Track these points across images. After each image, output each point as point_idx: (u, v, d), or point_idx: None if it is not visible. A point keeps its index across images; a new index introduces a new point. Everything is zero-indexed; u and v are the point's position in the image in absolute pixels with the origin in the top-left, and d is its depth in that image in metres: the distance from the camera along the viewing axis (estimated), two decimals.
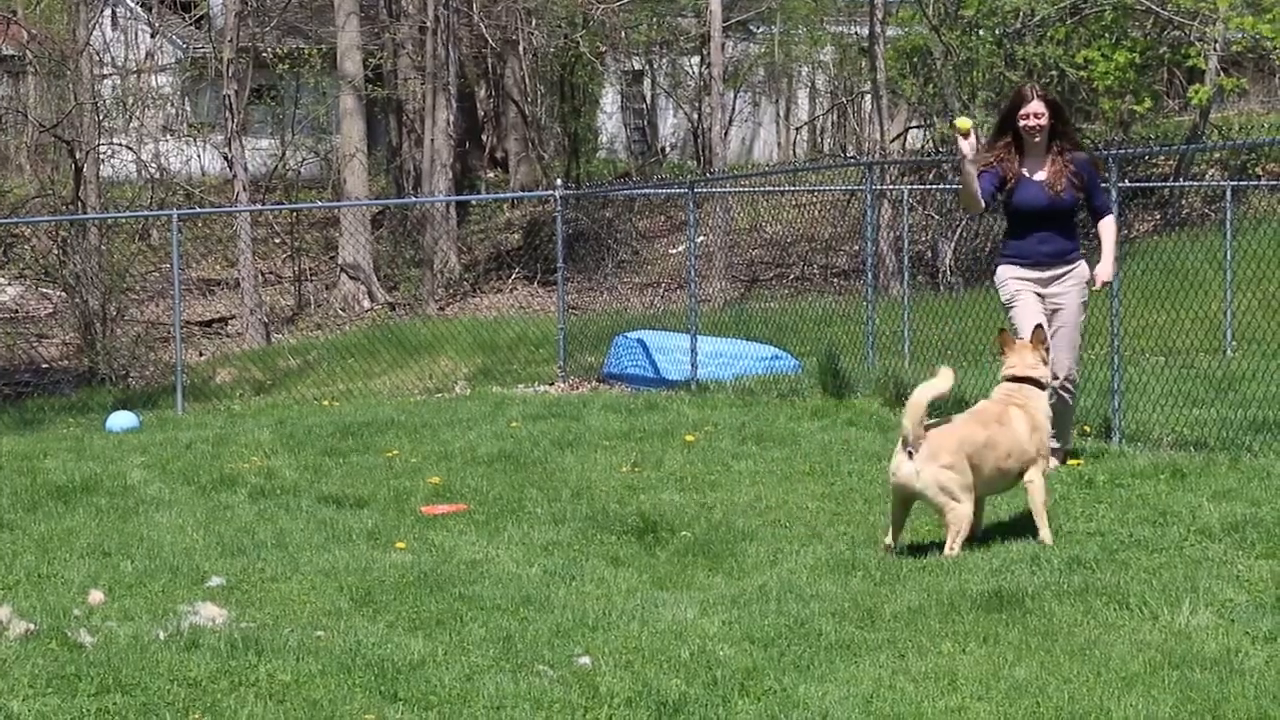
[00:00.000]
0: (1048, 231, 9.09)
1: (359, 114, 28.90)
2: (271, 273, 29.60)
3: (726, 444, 10.82)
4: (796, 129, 38.70)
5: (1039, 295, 9.09)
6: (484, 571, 7.56)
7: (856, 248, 22.28)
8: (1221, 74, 25.06)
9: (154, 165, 30.46)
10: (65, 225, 25.05)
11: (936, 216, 22.59)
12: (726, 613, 6.57)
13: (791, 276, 24.92)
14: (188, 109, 35.29)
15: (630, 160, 37.14)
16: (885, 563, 7.41)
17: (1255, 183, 23.27)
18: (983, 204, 9.12)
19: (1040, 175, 9.04)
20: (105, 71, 31.17)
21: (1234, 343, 15.68)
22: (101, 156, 27.23)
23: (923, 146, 26.86)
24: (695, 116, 35.83)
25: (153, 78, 33.49)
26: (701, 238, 21.55)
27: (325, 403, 15.87)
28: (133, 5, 36.24)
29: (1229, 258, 16.03)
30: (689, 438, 11.07)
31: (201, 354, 24.39)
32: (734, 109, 36.96)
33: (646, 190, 27.05)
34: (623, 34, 33.66)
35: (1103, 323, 10.82)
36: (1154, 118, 26.91)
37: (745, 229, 27.14)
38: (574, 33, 32.25)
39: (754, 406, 12.63)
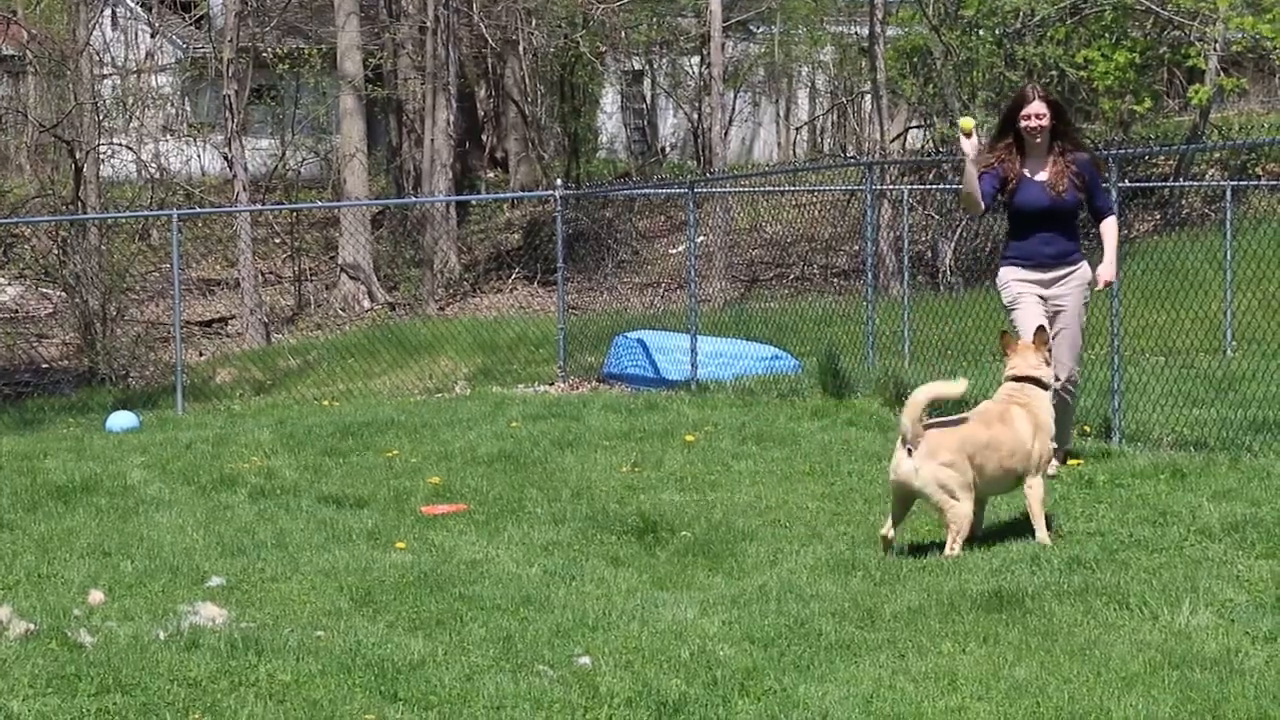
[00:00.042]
0: (1050, 232, 9.05)
1: (359, 114, 28.90)
2: (271, 273, 29.60)
3: (726, 444, 10.82)
4: (796, 129, 38.70)
5: (1041, 298, 9.05)
6: (484, 571, 7.56)
7: (856, 248, 22.29)
8: (1221, 74, 25.06)
9: (154, 165, 30.46)
10: (65, 225, 25.05)
11: (936, 216, 22.59)
12: (726, 613, 6.57)
13: (791, 276, 24.92)
14: (188, 109, 35.29)
15: (630, 160, 37.14)
16: (885, 563, 7.41)
17: (1255, 183, 23.26)
18: (983, 205, 9.10)
19: (1042, 176, 9.01)
20: (105, 71, 31.17)
21: (1234, 343, 15.68)
22: (101, 156, 27.23)
23: (923, 146, 26.86)
24: (695, 116, 35.84)
25: (153, 78, 33.49)
26: (701, 238, 21.55)
27: (325, 403, 15.87)
28: (133, 5, 36.24)
29: (1229, 258, 16.03)
30: (689, 438, 11.07)
31: (201, 354, 24.39)
32: (734, 109, 36.96)
33: (646, 190, 27.05)
34: (623, 34, 33.66)
35: (1103, 323, 10.82)
36: (1154, 118, 26.90)
37: (745, 229, 27.14)
38: (574, 33, 32.25)
39: (754, 406, 12.63)
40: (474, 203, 30.96)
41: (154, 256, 28.23)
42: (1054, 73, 23.92)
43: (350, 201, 27.37)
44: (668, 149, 38.25)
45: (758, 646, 6.08)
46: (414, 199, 28.49)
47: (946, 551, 7.44)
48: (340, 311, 27.06)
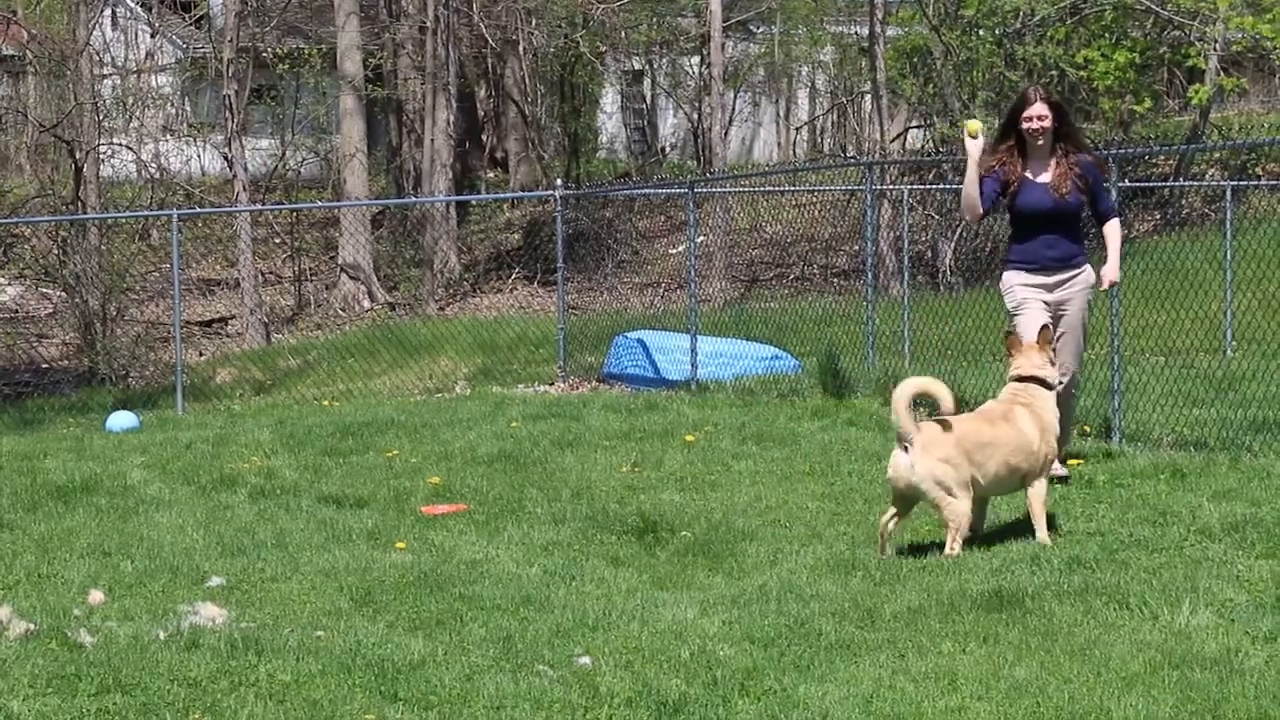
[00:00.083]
0: (1053, 235, 8.95)
1: (359, 114, 28.90)
2: (271, 273, 29.60)
3: (726, 444, 10.82)
4: (796, 129, 38.70)
5: (1045, 303, 8.97)
6: (484, 571, 7.56)
7: (856, 248, 22.29)
8: (1221, 74, 25.06)
9: (154, 165, 30.46)
10: (65, 225, 25.05)
11: (936, 216, 22.59)
12: (726, 613, 6.57)
13: (791, 276, 24.92)
14: (188, 109, 35.29)
15: (630, 160, 37.14)
16: (885, 563, 7.41)
17: (1255, 183, 23.27)
18: (981, 210, 9.05)
19: (1044, 178, 8.93)
20: (105, 71, 31.16)
21: (1234, 343, 15.68)
22: (101, 156, 27.23)
23: (923, 146, 26.85)
24: (695, 116, 35.84)
25: (153, 78, 33.48)
26: (701, 238, 21.55)
27: (325, 403, 15.87)
28: (133, 5, 36.24)
29: (1229, 258, 16.03)
30: (689, 438, 11.07)
31: (201, 354, 24.39)
32: (734, 109, 36.96)
33: (646, 190, 27.05)
34: (623, 34, 33.66)
35: (1103, 323, 10.82)
36: (1154, 118, 26.90)
37: (745, 229, 27.14)
38: (574, 33, 32.25)
39: (754, 406, 12.63)
40: (474, 203, 30.96)
41: (154, 256, 28.23)
42: (1054, 73, 23.92)
43: (350, 201, 27.37)
44: (668, 149, 38.25)
45: (758, 646, 6.08)
46: (414, 199, 28.49)
47: (946, 551, 7.43)
48: (340, 311, 27.06)
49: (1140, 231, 22.72)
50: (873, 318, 14.11)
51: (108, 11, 33.38)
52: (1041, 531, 7.63)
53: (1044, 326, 8.37)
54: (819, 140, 38.52)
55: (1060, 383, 8.28)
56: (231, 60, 26.11)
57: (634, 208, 28.34)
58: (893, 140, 26.80)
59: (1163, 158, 25.63)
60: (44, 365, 24.19)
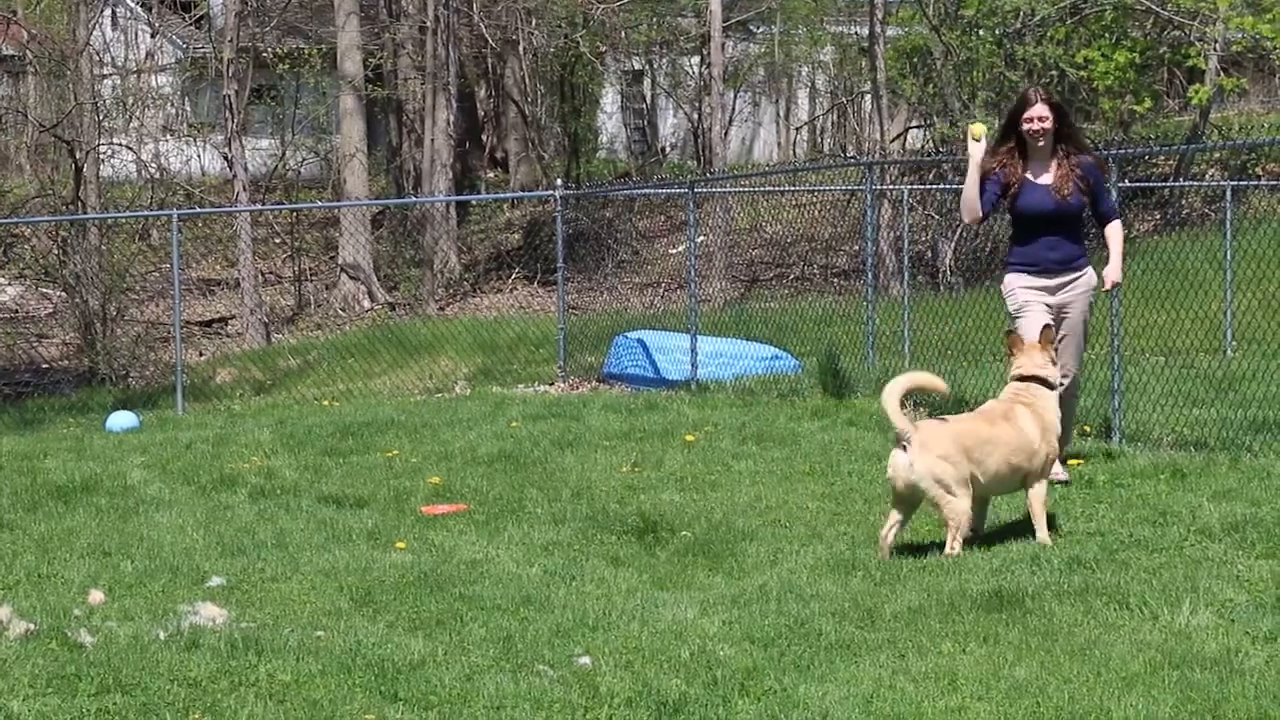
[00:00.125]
0: (1055, 237, 8.91)
1: (359, 114, 28.90)
2: (271, 273, 29.60)
3: (726, 444, 10.82)
4: (796, 129, 38.70)
5: (1047, 305, 8.94)
6: (484, 571, 7.56)
7: (856, 248, 22.29)
8: (1221, 74, 25.06)
9: (154, 165, 30.46)
10: (65, 225, 25.05)
11: (936, 216, 22.59)
12: (726, 613, 6.57)
13: (791, 276, 24.92)
14: (188, 109, 35.29)
15: (630, 160, 37.14)
16: (885, 563, 7.41)
17: (1255, 183, 23.27)
18: (980, 213, 9.03)
19: (1045, 179, 8.89)
20: (105, 71, 31.16)
21: (1234, 343, 15.68)
22: (101, 156, 27.23)
23: (923, 146, 26.86)
24: (695, 116, 35.84)
25: (153, 78, 33.48)
26: (701, 238, 21.56)
27: (325, 403, 15.87)
28: (133, 5, 36.24)
29: (1229, 258, 16.03)
30: (689, 438, 11.07)
31: (201, 354, 24.39)
32: (734, 109, 36.96)
33: (646, 190, 27.05)
34: (623, 34, 33.66)
35: (1103, 323, 10.82)
36: (1154, 118, 26.90)
37: (745, 229, 27.15)
38: (574, 33, 32.25)
39: (754, 406, 12.63)
40: (474, 203, 30.96)
41: (154, 256, 28.23)
42: (1054, 73, 23.92)
43: (350, 201, 27.37)
44: (668, 149, 38.25)
45: (758, 646, 6.08)
46: (414, 199, 28.49)
47: (946, 550, 7.43)
48: (340, 311, 27.06)
49: (1140, 231, 22.71)
50: (873, 318, 14.11)
51: (108, 11, 33.38)
52: (1042, 531, 7.62)
53: (1046, 326, 8.35)
54: (819, 140, 38.52)
55: (1061, 384, 8.28)
56: (231, 60, 26.11)
57: (634, 208, 28.35)
58: (893, 140, 26.80)
59: (1163, 158, 25.63)
60: (44, 365, 24.19)
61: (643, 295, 24.49)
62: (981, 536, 7.71)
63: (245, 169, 26.56)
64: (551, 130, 35.35)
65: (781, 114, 39.10)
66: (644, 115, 38.16)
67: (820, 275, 24.36)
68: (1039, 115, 8.86)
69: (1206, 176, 25.62)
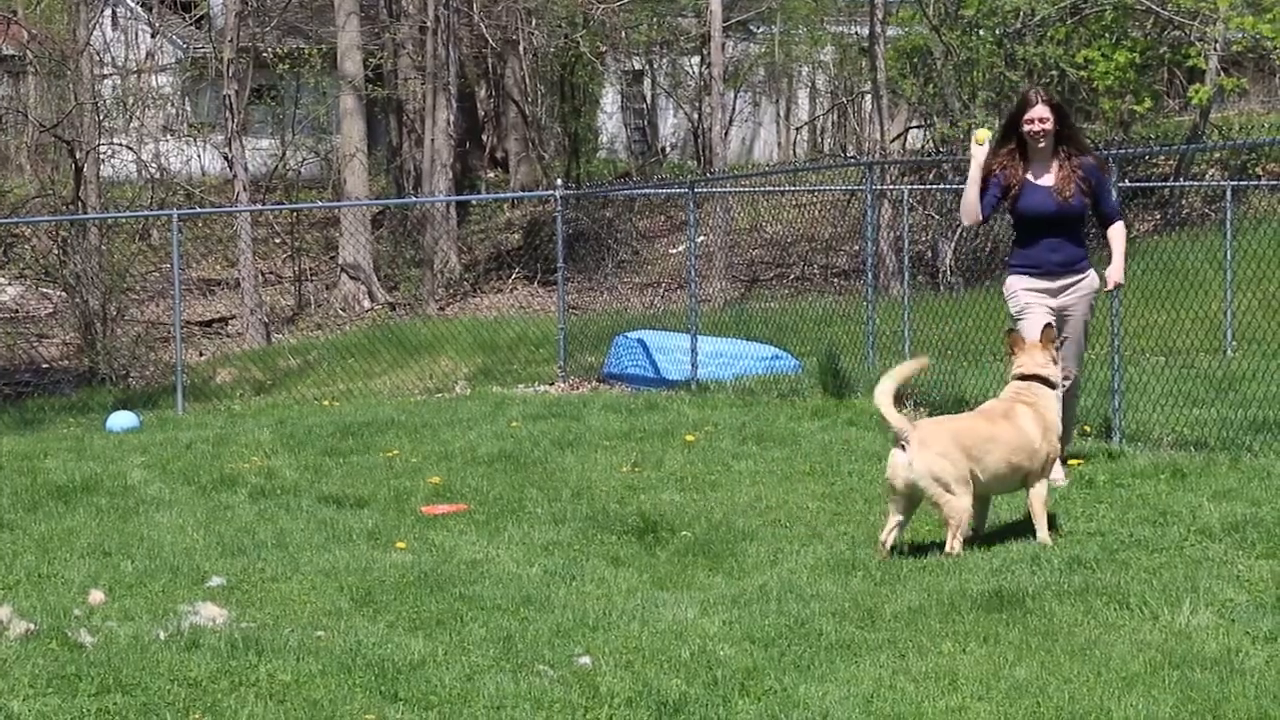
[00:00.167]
0: (1057, 239, 8.89)
1: (359, 114, 28.90)
2: (272, 273, 29.61)
3: (727, 444, 10.82)
4: (796, 129, 38.71)
5: (1049, 308, 8.91)
6: (484, 571, 7.56)
7: (856, 248, 22.29)
8: (1221, 74, 25.06)
9: (154, 165, 30.46)
10: (65, 225, 25.05)
11: (936, 216, 22.59)
12: (727, 613, 6.57)
13: (792, 276, 24.92)
14: (188, 109, 35.29)
15: (630, 160, 37.15)
16: (885, 563, 7.41)
17: (1255, 183, 23.26)
18: (981, 216, 9.02)
19: (1047, 180, 8.86)
20: (105, 71, 31.16)
21: (1234, 343, 15.68)
22: (101, 156, 27.23)
23: (923, 146, 26.86)
24: (695, 116, 35.84)
25: (153, 78, 33.48)
26: (701, 238, 21.56)
27: (325, 403, 15.87)
28: (133, 5, 36.24)
29: (1229, 258, 16.03)
30: (689, 438, 11.07)
31: (202, 354, 24.39)
32: (734, 109, 36.96)
33: (646, 190, 27.05)
34: (623, 34, 33.67)
35: (1103, 323, 10.82)
36: (1154, 118, 26.89)
37: (745, 229, 27.15)
38: (574, 33, 32.25)
39: (754, 406, 12.63)
40: (474, 203, 30.96)
41: (154, 256, 28.23)
42: (1054, 73, 23.92)
43: (350, 201, 27.37)
44: (668, 149, 38.26)
45: (758, 646, 6.09)
46: (414, 199, 28.49)
47: (946, 550, 7.42)
48: (340, 311, 27.06)
49: (1140, 231, 22.70)
50: (873, 318, 14.11)
51: (108, 11, 33.38)
52: (1042, 531, 7.62)
53: (1047, 325, 8.34)
54: (819, 140, 38.52)
55: (1063, 386, 8.27)
56: (232, 60, 26.11)
57: (634, 208, 28.35)
58: (893, 140, 26.80)
59: (1163, 158, 25.62)
60: (44, 365, 24.19)
61: (643, 295, 24.49)
62: (982, 536, 7.71)
63: (245, 169, 26.56)
64: (551, 130, 35.36)
65: (782, 114, 39.10)
66: (644, 115, 38.17)
67: (820, 275, 24.36)
68: (1040, 116, 8.84)
69: (1206, 176, 25.62)
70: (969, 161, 9.04)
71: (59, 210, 26.50)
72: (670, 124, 38.67)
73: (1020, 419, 7.69)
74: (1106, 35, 24.45)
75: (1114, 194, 9.62)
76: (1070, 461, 9.22)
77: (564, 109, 35.34)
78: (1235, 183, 20.01)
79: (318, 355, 21.31)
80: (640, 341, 15.76)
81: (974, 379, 11.94)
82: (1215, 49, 24.67)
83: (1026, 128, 8.87)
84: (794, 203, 25.11)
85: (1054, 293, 8.92)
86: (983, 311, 13.60)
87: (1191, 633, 6.04)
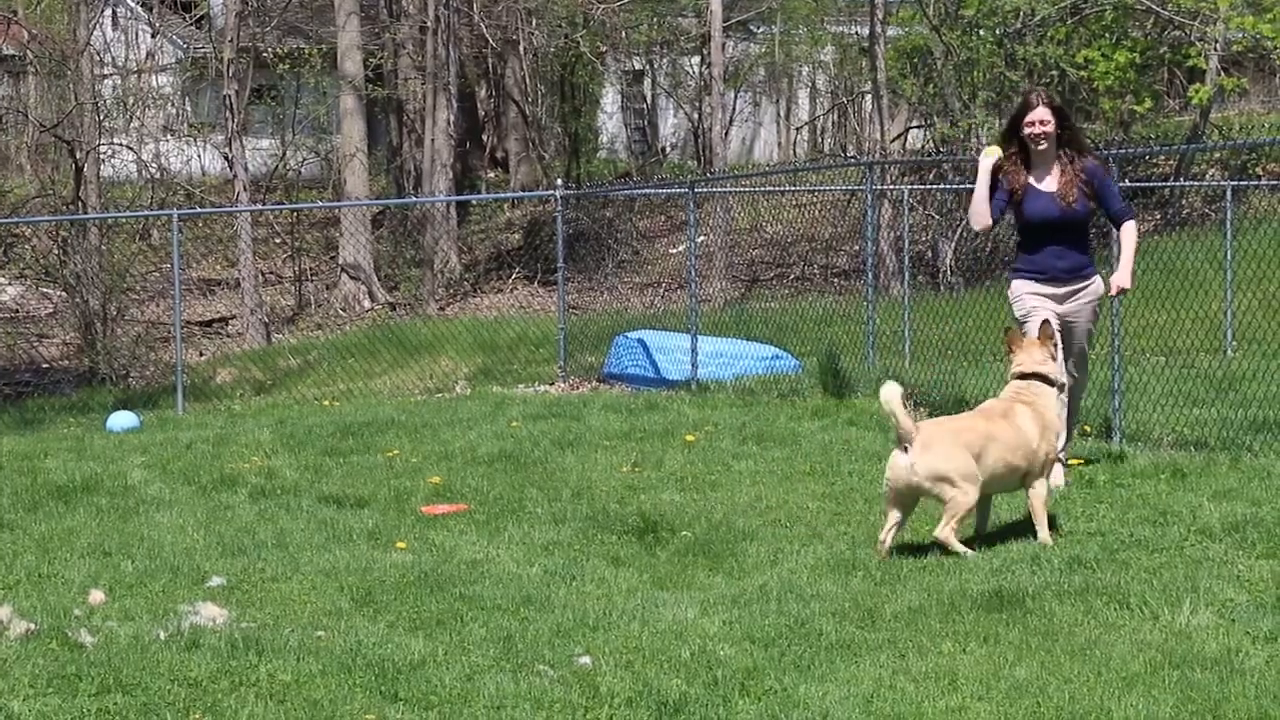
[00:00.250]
0: (1061, 245, 8.84)
1: (359, 114, 28.90)
2: (272, 273, 29.61)
3: (727, 444, 10.82)
4: (797, 129, 38.71)
5: (1055, 314, 8.87)
6: (484, 571, 7.56)
7: (857, 248, 22.29)
8: (1222, 74, 25.06)
9: (154, 165, 30.47)
10: (65, 225, 25.05)
11: (937, 216, 22.60)
12: (727, 613, 6.57)
13: (792, 276, 24.92)
14: (188, 109, 35.30)
15: (630, 160, 37.15)
16: (885, 563, 7.41)
17: (1255, 183, 23.26)
18: (990, 221, 8.97)
19: (1049, 185, 8.81)
20: (105, 71, 31.16)
21: (1234, 343, 15.68)
22: (102, 156, 27.23)
23: (923, 146, 26.86)
24: (695, 116, 35.84)
25: (153, 78, 33.49)
26: (702, 238, 21.56)
27: (325, 403, 15.87)
28: (133, 5, 36.24)
29: (1229, 258, 16.03)
30: (689, 438, 11.07)
31: (202, 354, 24.39)
32: (734, 109, 36.97)
33: (647, 190, 27.06)
34: (623, 34, 33.67)
35: (1103, 323, 10.78)
36: (1154, 118, 26.89)
37: (745, 229, 27.15)
38: (574, 33, 32.26)
39: (754, 406, 12.63)
40: (474, 203, 30.96)
41: (154, 256, 28.23)
42: (1054, 73, 23.93)
43: (350, 201, 27.37)
44: (668, 149, 38.26)
45: (758, 646, 6.09)
46: (414, 199, 28.49)
47: (937, 531, 7.39)
48: (340, 311, 27.06)
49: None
50: (873, 318, 14.11)
51: (108, 11, 33.37)
52: (1042, 531, 7.62)
53: (1044, 321, 8.30)
54: (819, 140, 38.52)
55: (1064, 387, 8.26)
56: (232, 60, 26.11)
57: (634, 208, 28.35)
58: (893, 140, 26.80)
59: (1163, 158, 25.62)
60: (44, 365, 24.20)
61: (643, 295, 24.49)
62: (982, 536, 7.71)
63: (245, 169, 26.56)
64: (552, 130, 35.36)
65: (782, 114, 39.10)
66: (644, 115, 38.17)
67: (820, 275, 24.36)
68: (1040, 119, 8.80)
69: (1207, 176, 25.61)
70: (969, 161, 9.03)
71: (59, 210, 26.50)
72: (670, 124, 38.68)
73: (1019, 419, 7.69)
74: (1107, 35, 24.45)
75: (1119, 193, 9.58)
76: (1071, 461, 9.22)
77: (564, 109, 35.34)
78: (1235, 183, 20.01)
79: (318, 355, 21.31)
80: (640, 341, 15.76)
81: (974, 379, 11.94)
82: (1215, 49, 24.68)
83: (1027, 130, 8.84)
84: (794, 203, 25.12)
85: (1059, 299, 8.86)
86: (983, 311, 13.60)
87: (1191, 633, 6.04)
